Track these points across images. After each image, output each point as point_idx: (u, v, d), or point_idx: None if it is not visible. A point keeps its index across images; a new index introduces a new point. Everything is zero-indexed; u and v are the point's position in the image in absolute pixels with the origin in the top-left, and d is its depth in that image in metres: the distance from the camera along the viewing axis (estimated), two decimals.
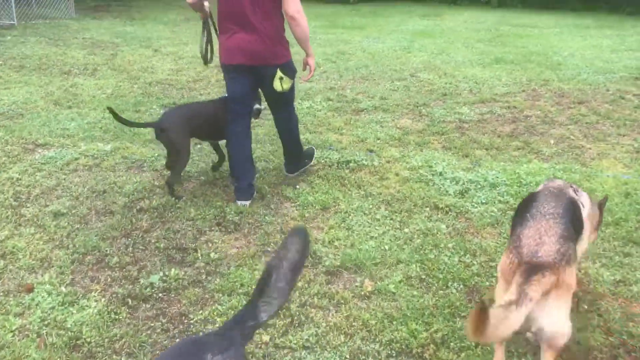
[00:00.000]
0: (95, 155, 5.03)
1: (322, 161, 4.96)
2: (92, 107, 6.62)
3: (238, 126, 4.15)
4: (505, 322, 1.90)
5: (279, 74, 3.87)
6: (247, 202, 4.09)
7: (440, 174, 4.64)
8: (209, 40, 4.32)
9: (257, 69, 3.90)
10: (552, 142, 5.60)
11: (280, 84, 3.91)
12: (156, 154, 5.04)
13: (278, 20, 3.86)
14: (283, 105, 4.26)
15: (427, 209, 4.06)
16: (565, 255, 2.15)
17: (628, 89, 7.59)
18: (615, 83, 7.94)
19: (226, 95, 4.23)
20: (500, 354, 2.41)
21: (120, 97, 7.09)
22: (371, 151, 5.26)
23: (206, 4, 4.01)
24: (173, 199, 4.12)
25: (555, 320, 2.11)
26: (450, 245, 3.54)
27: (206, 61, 4.38)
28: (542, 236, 2.23)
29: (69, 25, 13.16)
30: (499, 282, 2.32)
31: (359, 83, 8.07)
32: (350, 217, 3.93)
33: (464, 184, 4.45)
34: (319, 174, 4.68)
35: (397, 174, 4.68)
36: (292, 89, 4.09)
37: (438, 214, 3.98)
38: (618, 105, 6.78)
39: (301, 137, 4.82)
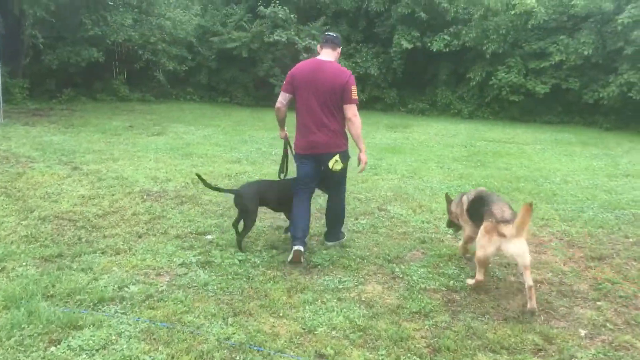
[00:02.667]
0: None
1: None
2: None
3: (301, 199, 5.32)
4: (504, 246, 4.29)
5: (335, 157, 5.09)
6: (301, 247, 5.02)
7: None
8: (286, 157, 5.75)
9: (322, 156, 5.13)
10: (582, 333, 3.90)
11: (334, 164, 5.08)
12: None
13: (340, 120, 5.15)
14: (335, 185, 5.46)
15: None
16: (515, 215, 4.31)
17: None
18: (631, 225, 6.43)
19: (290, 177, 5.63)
20: (483, 272, 4.52)
21: None
22: (322, 357, 3.45)
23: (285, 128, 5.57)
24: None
25: (523, 249, 4.25)
26: None
27: (280, 173, 5.78)
28: (502, 208, 4.44)
29: None
30: (483, 238, 4.43)
31: (315, 220, 6.39)
32: None
33: None
34: None
35: None
36: (344, 172, 5.31)
37: None
38: None
39: (216, 325, 3.70)
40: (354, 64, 19.83)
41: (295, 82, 5.13)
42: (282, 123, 5.53)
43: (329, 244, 5.56)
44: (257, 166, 9.45)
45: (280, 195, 5.49)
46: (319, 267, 5.02)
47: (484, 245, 4.41)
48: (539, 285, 4.69)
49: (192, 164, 9.42)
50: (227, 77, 20.65)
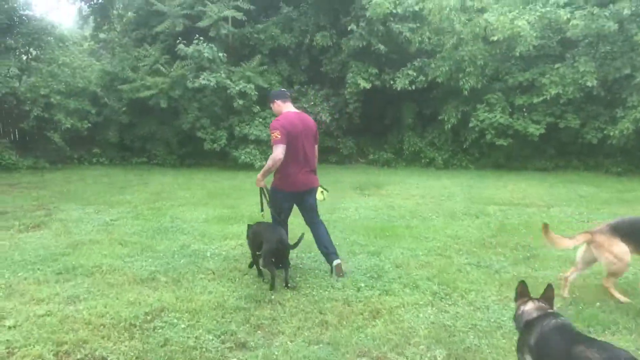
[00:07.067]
0: None
1: None
2: None
3: (278, 226, 6.05)
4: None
5: (321, 188, 6.13)
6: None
7: None
8: (262, 202, 6.28)
9: (306, 192, 6.02)
10: None
11: (322, 195, 6.10)
12: None
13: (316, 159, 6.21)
14: (316, 213, 6.19)
15: None
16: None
17: None
18: None
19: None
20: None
21: None
22: None
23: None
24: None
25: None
26: None
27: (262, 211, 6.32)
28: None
29: None
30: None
31: None
32: None
33: None
34: None
35: None
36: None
37: None
38: None
39: None
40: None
41: (291, 134, 5.77)
42: (273, 173, 5.95)
43: (338, 261, 5.97)
44: (182, 289, 5.57)
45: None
46: None
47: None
48: None
49: (71, 294, 5.43)
50: (143, 133, 16.56)
